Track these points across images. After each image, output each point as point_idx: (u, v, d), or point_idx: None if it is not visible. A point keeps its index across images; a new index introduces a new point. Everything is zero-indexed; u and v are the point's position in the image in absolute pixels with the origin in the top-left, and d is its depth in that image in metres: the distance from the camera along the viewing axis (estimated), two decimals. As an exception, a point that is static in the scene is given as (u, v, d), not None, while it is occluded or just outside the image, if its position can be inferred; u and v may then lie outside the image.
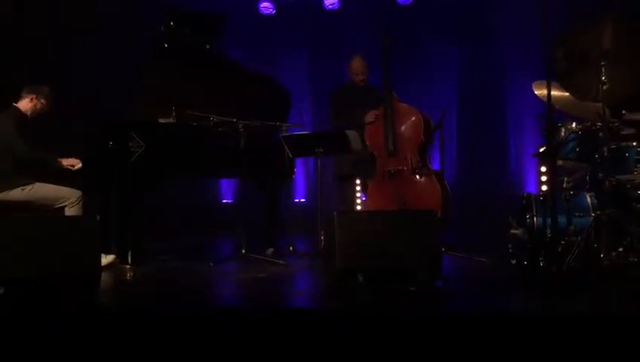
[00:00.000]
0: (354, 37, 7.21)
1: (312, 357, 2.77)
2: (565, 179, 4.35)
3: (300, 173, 7.45)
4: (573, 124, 4.10)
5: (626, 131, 4.03)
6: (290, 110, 5.57)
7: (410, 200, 4.90)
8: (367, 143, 5.18)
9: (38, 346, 2.80)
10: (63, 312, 3.07)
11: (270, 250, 5.09)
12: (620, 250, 3.65)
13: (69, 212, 4.45)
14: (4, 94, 4.71)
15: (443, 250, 4.18)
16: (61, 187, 4.52)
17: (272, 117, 5.14)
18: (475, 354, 2.70)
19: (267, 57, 7.33)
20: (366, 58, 5.55)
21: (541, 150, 4.57)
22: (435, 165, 5.55)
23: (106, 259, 4.39)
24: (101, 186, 4.78)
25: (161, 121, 4.95)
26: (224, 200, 7.78)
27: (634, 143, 3.85)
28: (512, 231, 4.34)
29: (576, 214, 4.05)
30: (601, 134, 3.84)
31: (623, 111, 4.06)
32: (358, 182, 5.81)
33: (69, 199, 4.48)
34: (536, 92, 4.40)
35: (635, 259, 3.57)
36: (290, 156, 5.12)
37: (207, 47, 5.18)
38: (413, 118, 5.11)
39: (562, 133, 4.10)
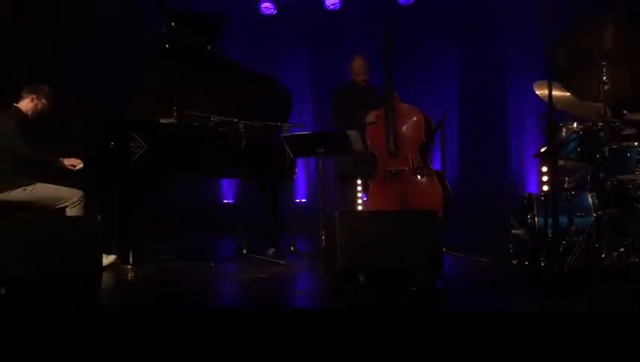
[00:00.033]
0: (355, 37, 7.21)
1: (313, 357, 2.77)
2: (566, 179, 4.35)
3: (301, 173, 7.46)
4: (575, 124, 4.10)
5: (627, 131, 4.03)
6: (291, 110, 5.56)
7: (412, 200, 4.90)
8: (369, 143, 5.17)
9: (40, 346, 2.80)
10: (64, 312, 3.07)
11: (271, 250, 5.09)
12: (622, 250, 3.65)
13: (70, 212, 4.46)
14: (4, 94, 4.72)
15: (444, 250, 4.18)
16: (62, 187, 4.52)
17: (273, 117, 5.14)
18: (476, 355, 2.70)
19: (268, 57, 7.33)
20: (367, 58, 5.55)
21: (542, 150, 4.57)
22: (436, 165, 5.55)
23: (107, 260, 4.39)
24: (102, 186, 4.78)
25: (162, 121, 4.96)
26: (225, 201, 7.79)
27: (635, 143, 3.85)
28: (514, 231, 4.34)
29: (578, 214, 4.05)
30: (602, 134, 3.83)
31: (624, 112, 4.06)
32: (359, 182, 5.82)
33: (70, 199, 4.48)
34: (537, 92, 4.40)
35: (637, 259, 3.57)
36: (292, 156, 5.12)
37: (208, 47, 5.18)
38: (415, 118, 5.11)
39: (563, 133, 4.09)
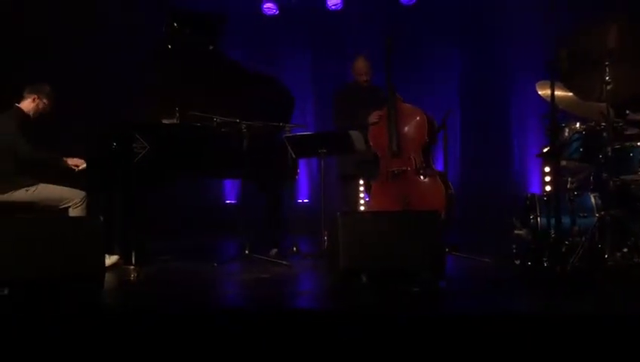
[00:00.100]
0: (357, 37, 7.22)
1: (316, 357, 2.77)
2: (569, 179, 4.35)
3: (304, 173, 7.46)
4: (577, 124, 4.10)
5: (630, 131, 4.02)
6: (293, 110, 5.56)
7: (414, 200, 4.90)
8: (371, 144, 5.17)
9: (42, 347, 2.81)
10: (67, 313, 3.07)
11: (274, 251, 5.09)
12: (625, 250, 3.64)
13: (73, 213, 4.46)
14: (4, 94, 4.72)
15: (447, 250, 4.17)
16: (65, 188, 4.52)
17: (275, 117, 5.14)
18: (478, 355, 2.69)
19: (270, 58, 7.35)
20: (369, 58, 5.55)
21: (545, 150, 4.57)
22: (439, 165, 5.55)
23: (109, 260, 4.38)
24: (105, 187, 4.78)
25: (165, 121, 4.96)
26: (227, 201, 7.79)
27: (638, 143, 3.84)
28: (516, 231, 4.34)
29: (581, 214, 4.05)
30: (605, 134, 3.83)
31: (627, 111, 4.05)
32: (361, 182, 5.81)
33: (73, 200, 4.49)
34: (539, 92, 4.40)
35: (640, 260, 3.57)
36: (294, 156, 5.12)
37: (210, 47, 5.18)
38: (418, 118, 5.11)
39: (566, 134, 4.09)
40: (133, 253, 4.50)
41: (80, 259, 3.46)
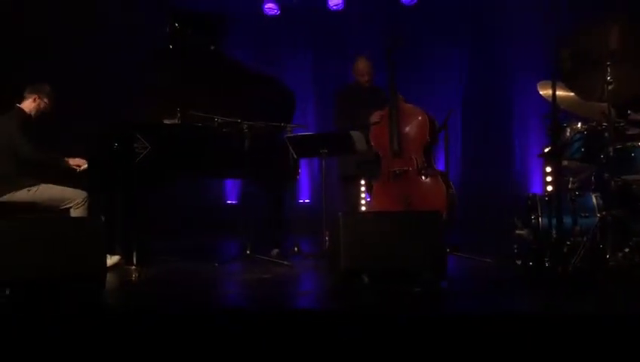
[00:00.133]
0: (358, 37, 7.21)
1: (316, 358, 2.77)
2: (571, 179, 4.35)
3: (305, 173, 7.46)
4: (579, 124, 4.10)
5: (632, 131, 4.01)
6: (294, 111, 5.57)
7: (416, 200, 4.89)
8: (372, 144, 5.17)
9: (44, 347, 2.81)
10: (68, 313, 3.07)
11: (275, 251, 5.09)
12: (626, 250, 3.63)
13: (74, 213, 4.46)
14: (4, 94, 4.72)
15: (448, 250, 4.17)
16: (67, 188, 4.53)
17: (276, 117, 5.14)
18: (480, 355, 2.69)
19: (271, 58, 7.35)
20: (371, 59, 5.55)
21: (546, 150, 4.56)
22: (440, 166, 5.54)
23: (111, 260, 4.39)
24: (106, 187, 4.78)
25: (166, 121, 4.96)
26: (229, 201, 7.79)
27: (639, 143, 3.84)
28: (518, 231, 4.33)
29: (582, 215, 4.04)
30: (606, 134, 3.83)
31: (629, 111, 4.05)
32: (362, 182, 5.81)
33: (74, 200, 4.49)
34: (541, 92, 4.40)
35: (641, 260, 3.56)
36: (295, 157, 5.12)
37: (212, 47, 5.18)
38: (419, 118, 5.10)
39: (567, 134, 4.09)
40: (135, 254, 4.51)
41: (81, 259, 3.47)
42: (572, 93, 4.10)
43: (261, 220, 5.30)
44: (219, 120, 4.86)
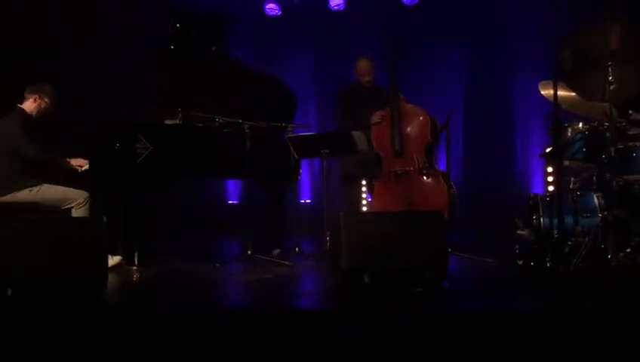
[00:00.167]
0: (359, 38, 7.22)
1: (318, 358, 2.77)
2: (572, 179, 4.34)
3: (306, 173, 7.46)
4: (580, 124, 4.10)
5: (633, 131, 4.01)
6: (295, 111, 5.57)
7: (417, 201, 4.89)
8: (374, 144, 5.17)
9: (46, 347, 2.81)
10: (70, 313, 3.07)
11: (276, 251, 5.09)
12: (628, 250, 3.64)
13: (76, 213, 4.47)
14: (4, 94, 4.72)
15: (449, 250, 4.16)
16: (68, 188, 4.53)
17: (277, 118, 5.15)
18: (481, 355, 2.69)
19: (273, 58, 7.35)
20: (372, 59, 5.55)
21: (548, 150, 4.56)
22: (441, 166, 5.54)
23: (112, 261, 4.39)
24: (108, 187, 4.79)
25: (168, 122, 4.96)
26: (230, 202, 7.79)
27: (641, 143, 3.84)
28: (519, 231, 4.33)
29: (584, 215, 4.04)
30: (608, 134, 3.83)
31: (630, 111, 4.05)
32: (364, 182, 5.81)
33: (76, 200, 4.50)
34: (542, 92, 4.39)
35: (643, 260, 3.56)
36: (296, 157, 5.12)
37: (213, 48, 5.19)
38: (421, 118, 5.10)
39: (569, 134, 4.09)
40: (136, 254, 4.51)
41: (83, 259, 3.47)
42: (573, 93, 4.10)
43: (262, 220, 5.30)
44: (220, 120, 4.86)
